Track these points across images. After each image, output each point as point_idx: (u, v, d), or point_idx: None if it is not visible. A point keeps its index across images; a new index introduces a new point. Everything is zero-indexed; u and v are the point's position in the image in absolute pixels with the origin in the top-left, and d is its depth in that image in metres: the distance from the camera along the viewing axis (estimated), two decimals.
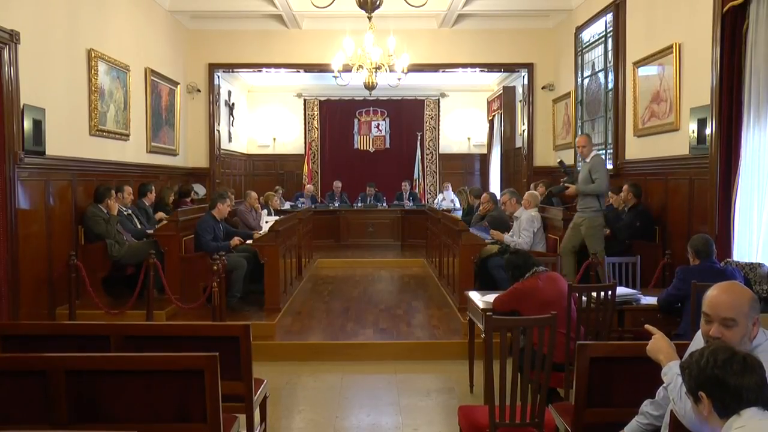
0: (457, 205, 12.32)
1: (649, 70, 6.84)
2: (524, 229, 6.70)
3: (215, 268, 5.55)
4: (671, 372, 2.22)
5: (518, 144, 11.54)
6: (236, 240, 6.90)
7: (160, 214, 7.69)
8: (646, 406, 2.49)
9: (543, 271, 4.14)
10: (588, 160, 6.35)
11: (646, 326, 2.51)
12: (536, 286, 4.03)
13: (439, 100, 14.90)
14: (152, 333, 3.36)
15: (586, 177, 6.27)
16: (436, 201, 13.28)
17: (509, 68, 11.11)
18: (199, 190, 9.81)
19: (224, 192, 7.52)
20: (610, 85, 7.79)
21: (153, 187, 7.73)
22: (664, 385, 2.25)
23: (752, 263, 4.62)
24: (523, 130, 10.82)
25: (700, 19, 5.56)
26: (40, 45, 5.75)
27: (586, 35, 8.61)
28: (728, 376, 1.82)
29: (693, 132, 5.71)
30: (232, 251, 6.70)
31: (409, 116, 14.92)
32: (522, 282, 4.11)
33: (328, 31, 9.76)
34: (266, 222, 8.36)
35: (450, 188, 13.09)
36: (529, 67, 10.36)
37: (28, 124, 5.45)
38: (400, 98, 14.57)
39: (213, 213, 6.82)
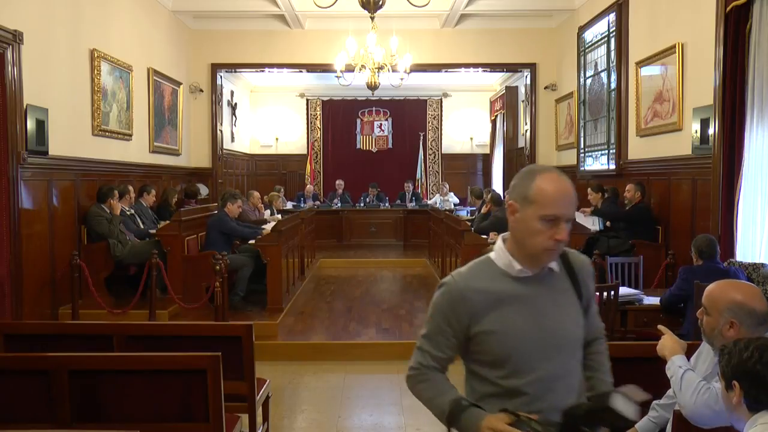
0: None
1: (651, 70, 6.82)
2: None
3: (218, 267, 5.56)
4: (674, 365, 2.27)
5: (521, 144, 11.52)
6: (269, 227, 7.11)
7: None
8: (657, 402, 2.53)
9: None
10: None
11: (659, 326, 2.53)
12: None
13: (441, 100, 14.88)
14: (155, 333, 3.36)
15: None
16: (432, 201, 13.17)
17: (512, 68, 11.10)
18: (202, 190, 9.82)
19: (235, 192, 7.57)
20: (613, 85, 7.78)
21: (153, 189, 7.72)
22: (669, 375, 2.28)
23: (755, 263, 4.62)
24: (526, 130, 10.81)
25: (703, 19, 5.55)
26: (43, 45, 5.76)
27: (589, 35, 8.59)
28: None
29: (696, 132, 5.70)
30: (248, 243, 6.86)
31: (412, 116, 14.89)
32: None
33: (331, 31, 9.76)
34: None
35: (448, 188, 12.95)
36: (532, 67, 10.35)
37: (31, 124, 5.46)
38: (402, 98, 14.56)
39: (225, 211, 6.87)
